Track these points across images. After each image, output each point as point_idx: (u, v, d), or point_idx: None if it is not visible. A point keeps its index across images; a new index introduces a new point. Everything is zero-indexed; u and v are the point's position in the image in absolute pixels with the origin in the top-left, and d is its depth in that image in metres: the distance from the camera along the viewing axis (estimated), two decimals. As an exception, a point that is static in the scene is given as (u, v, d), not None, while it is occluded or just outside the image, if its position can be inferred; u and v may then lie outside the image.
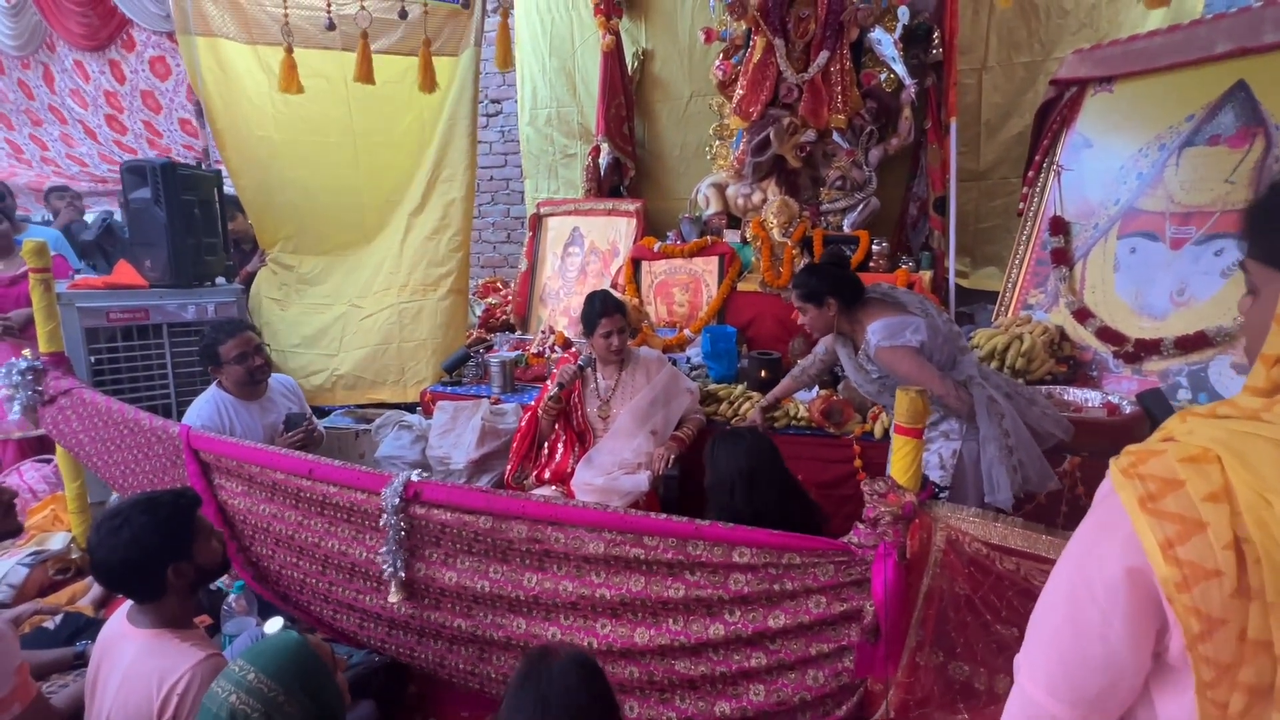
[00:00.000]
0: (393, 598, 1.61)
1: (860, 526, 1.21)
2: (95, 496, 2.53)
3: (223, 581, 1.97)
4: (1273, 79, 2.18)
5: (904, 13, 3.06)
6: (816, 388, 2.55)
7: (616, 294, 2.65)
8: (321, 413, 3.39)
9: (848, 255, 2.08)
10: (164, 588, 1.34)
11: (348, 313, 3.53)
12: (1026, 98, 3.21)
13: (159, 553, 1.33)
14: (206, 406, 2.26)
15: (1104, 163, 2.60)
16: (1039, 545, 1.08)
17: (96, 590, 2.22)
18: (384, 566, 1.59)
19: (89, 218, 3.84)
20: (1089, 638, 0.59)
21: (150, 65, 3.62)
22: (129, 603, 1.40)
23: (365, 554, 1.67)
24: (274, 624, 1.36)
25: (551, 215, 4.00)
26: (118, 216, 3.81)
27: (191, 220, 2.90)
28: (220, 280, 3.13)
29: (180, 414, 2.79)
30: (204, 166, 3.29)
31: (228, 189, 3.30)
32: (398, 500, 1.55)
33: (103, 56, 3.62)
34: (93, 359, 2.70)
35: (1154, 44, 2.49)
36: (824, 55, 3.12)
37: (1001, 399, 1.80)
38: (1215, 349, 2.19)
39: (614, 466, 2.21)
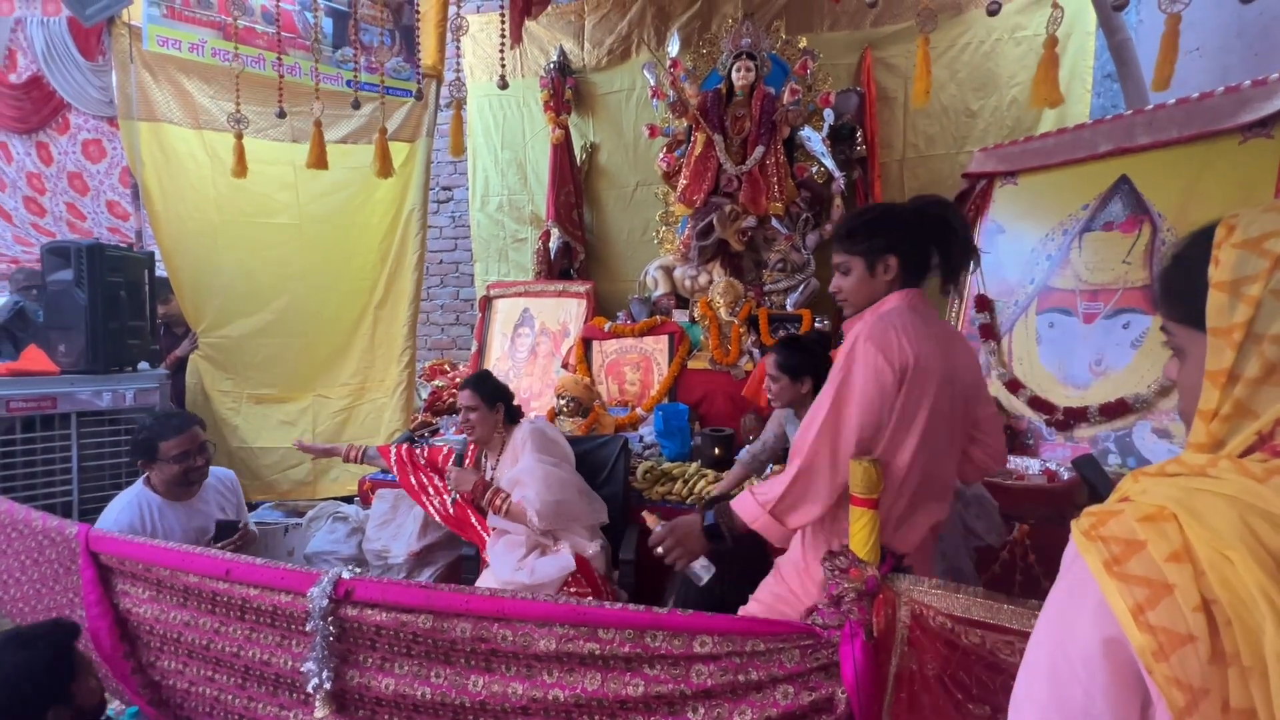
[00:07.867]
0: (319, 713, 1.44)
1: (823, 606, 1.17)
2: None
3: (112, 709, 1.72)
4: (1149, 173, 2.46)
5: (829, 114, 3.35)
6: (770, 465, 2.54)
7: (494, 376, 2.46)
8: (250, 507, 3.15)
9: (828, 336, 2.09)
10: None
11: (314, 403, 3.49)
12: (944, 186, 3.51)
13: (35, 696, 1.16)
14: (128, 509, 2.05)
15: (1017, 246, 2.83)
16: (1001, 616, 1.06)
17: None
18: (309, 678, 1.43)
19: (-1, 301, 3.63)
20: (1074, 716, 0.55)
21: (83, 148, 3.57)
22: None
23: (291, 662, 1.50)
24: None
25: (501, 297, 4.02)
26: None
27: (116, 303, 2.76)
28: (144, 365, 2.94)
29: (83, 512, 2.53)
30: (135, 249, 3.18)
31: (160, 271, 3.18)
32: (326, 601, 1.41)
33: (30, 139, 3.55)
34: (-18, 453, 2.44)
35: (1048, 144, 2.78)
36: (759, 150, 3.36)
37: None
38: (1136, 415, 2.32)
39: (517, 561, 2.08)
